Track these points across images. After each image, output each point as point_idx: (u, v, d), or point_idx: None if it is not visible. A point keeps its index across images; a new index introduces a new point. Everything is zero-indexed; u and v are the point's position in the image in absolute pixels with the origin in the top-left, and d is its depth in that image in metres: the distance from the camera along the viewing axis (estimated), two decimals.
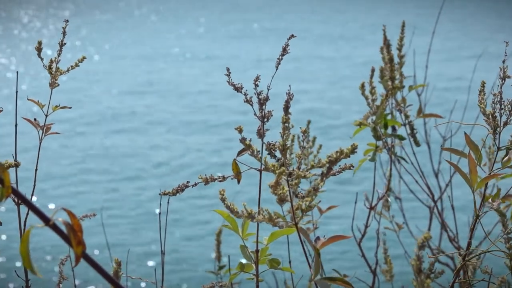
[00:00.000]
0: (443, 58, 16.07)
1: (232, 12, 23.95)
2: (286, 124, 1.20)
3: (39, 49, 2.09)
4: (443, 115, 2.97)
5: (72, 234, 0.98)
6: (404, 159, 2.70)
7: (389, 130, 2.64)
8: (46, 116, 2.11)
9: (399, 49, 2.78)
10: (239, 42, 19.18)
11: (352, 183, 8.87)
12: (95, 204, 8.87)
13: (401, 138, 2.63)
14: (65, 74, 2.12)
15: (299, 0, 25.67)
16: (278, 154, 1.38)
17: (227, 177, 1.49)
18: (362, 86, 2.49)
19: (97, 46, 18.62)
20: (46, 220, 0.98)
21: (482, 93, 1.73)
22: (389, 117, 2.66)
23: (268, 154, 1.39)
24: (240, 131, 1.29)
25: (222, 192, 1.33)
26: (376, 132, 2.53)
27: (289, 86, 1.23)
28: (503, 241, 1.84)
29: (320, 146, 2.83)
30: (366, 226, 2.69)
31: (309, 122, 2.50)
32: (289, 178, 1.28)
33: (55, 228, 0.98)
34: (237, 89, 1.38)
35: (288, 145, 1.22)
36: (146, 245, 7.94)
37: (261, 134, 1.42)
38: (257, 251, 1.65)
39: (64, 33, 2.05)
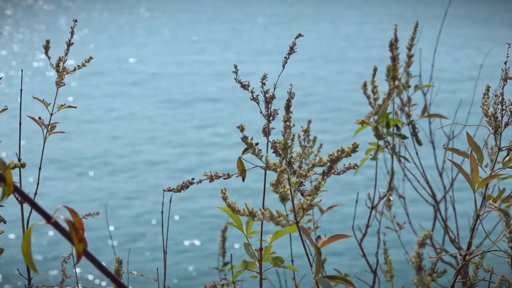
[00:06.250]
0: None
1: None
2: (287, 123, 1.20)
3: (46, 48, 2.09)
4: (452, 112, 2.96)
5: (73, 232, 0.98)
6: (406, 158, 2.69)
7: (394, 129, 2.63)
8: (51, 114, 2.10)
9: (409, 48, 2.76)
10: None
11: (361, 182, 8.87)
12: None
13: (403, 137, 2.62)
14: (71, 73, 2.11)
15: None
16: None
17: (232, 174, 1.49)
18: (364, 85, 2.48)
19: None
20: (47, 217, 0.98)
21: (486, 96, 1.73)
22: (391, 116, 2.66)
23: (274, 152, 1.39)
24: (242, 129, 1.29)
25: (224, 191, 1.33)
26: (377, 131, 2.53)
27: (290, 85, 1.23)
28: (505, 240, 1.84)
29: (321, 145, 2.83)
30: (367, 226, 2.68)
31: (309, 122, 2.51)
32: (292, 176, 1.28)
33: (56, 225, 0.98)
34: (244, 86, 1.39)
35: (289, 144, 1.23)
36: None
37: (266, 132, 1.43)
38: (261, 249, 1.65)
39: (72, 32, 2.04)
